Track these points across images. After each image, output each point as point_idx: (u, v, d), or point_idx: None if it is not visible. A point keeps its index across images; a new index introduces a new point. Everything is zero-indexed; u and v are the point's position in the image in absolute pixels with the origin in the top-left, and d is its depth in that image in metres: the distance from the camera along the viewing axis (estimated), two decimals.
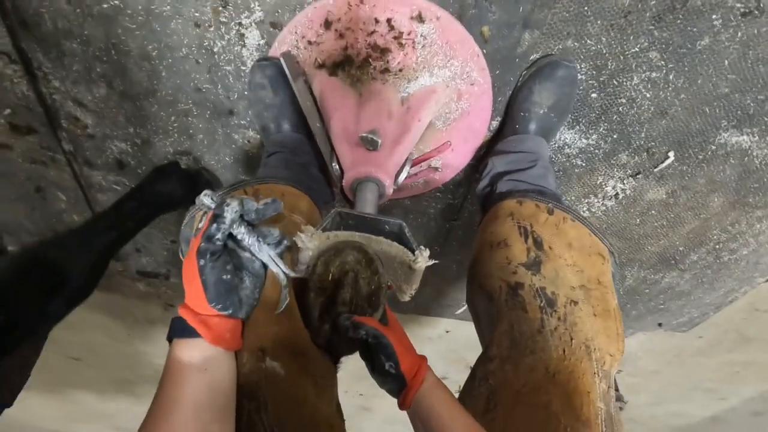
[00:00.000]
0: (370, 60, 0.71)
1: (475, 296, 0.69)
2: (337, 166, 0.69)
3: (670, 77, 0.72)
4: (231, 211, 0.43)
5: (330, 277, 0.53)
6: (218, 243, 0.43)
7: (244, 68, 0.75)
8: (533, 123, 0.73)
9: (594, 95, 0.76)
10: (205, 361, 0.42)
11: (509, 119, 0.76)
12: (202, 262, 0.42)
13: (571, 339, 0.54)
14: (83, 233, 0.76)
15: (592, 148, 0.84)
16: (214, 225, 0.43)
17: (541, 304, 0.57)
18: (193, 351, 0.42)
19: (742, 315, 1.29)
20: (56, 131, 0.87)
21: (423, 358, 0.51)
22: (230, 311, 0.45)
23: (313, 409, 0.48)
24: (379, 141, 0.63)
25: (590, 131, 0.81)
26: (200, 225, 0.45)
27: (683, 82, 0.73)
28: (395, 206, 0.98)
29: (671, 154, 0.84)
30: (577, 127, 0.81)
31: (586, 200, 0.94)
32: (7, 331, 0.64)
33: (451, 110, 0.78)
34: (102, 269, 0.79)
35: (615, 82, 0.74)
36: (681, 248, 1.05)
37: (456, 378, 1.70)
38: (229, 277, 0.44)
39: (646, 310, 1.26)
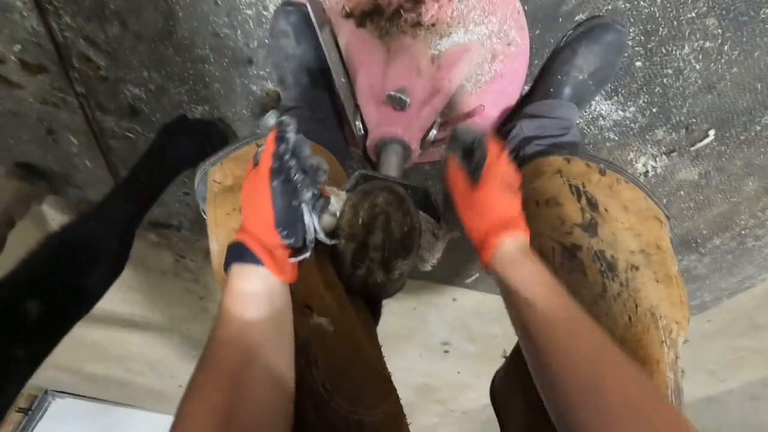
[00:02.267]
0: (402, 11, 0.66)
1: None
2: (361, 125, 0.66)
3: (725, 48, 0.67)
4: (292, 130, 0.42)
5: (360, 222, 0.50)
6: (289, 163, 0.41)
7: (265, 13, 0.70)
8: (569, 88, 0.68)
9: (639, 64, 0.71)
10: (270, 294, 0.41)
11: (543, 82, 0.71)
12: (275, 183, 0.41)
13: (636, 306, 0.51)
14: (104, 209, 0.75)
15: (628, 122, 0.79)
16: (282, 145, 0.41)
17: (602, 268, 0.53)
18: (257, 283, 0.41)
19: (756, 302, 1.27)
20: (68, 71, 0.83)
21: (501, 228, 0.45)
22: (293, 240, 0.43)
23: (364, 364, 0.47)
24: (408, 101, 0.59)
25: (629, 103, 0.76)
26: (259, 151, 0.43)
27: (738, 54, 0.67)
28: (413, 171, 0.95)
29: (711, 132, 0.79)
30: (616, 97, 0.76)
31: None
32: (49, 319, 0.64)
33: (483, 72, 0.73)
34: (130, 240, 0.78)
35: (664, 50, 0.68)
36: (705, 231, 1.02)
37: (458, 345, 1.73)
38: (296, 203, 0.43)
39: None
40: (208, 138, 0.84)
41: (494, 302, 1.43)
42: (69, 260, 0.67)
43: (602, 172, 0.60)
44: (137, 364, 2.46)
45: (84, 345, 2.33)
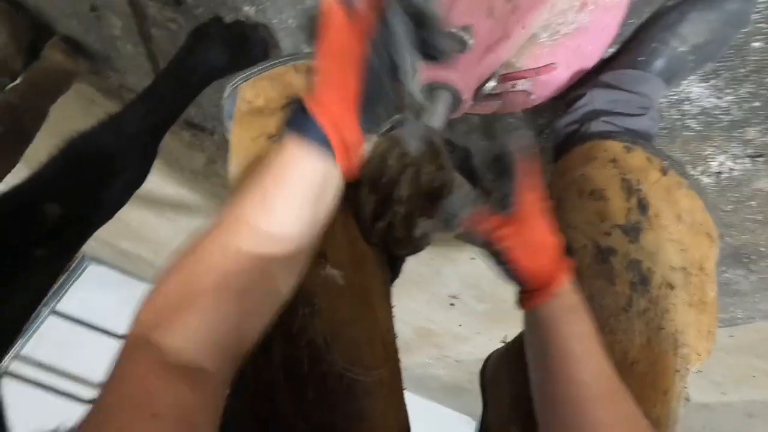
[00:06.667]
0: None
1: None
2: None
3: None
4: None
5: (387, 171, 0.46)
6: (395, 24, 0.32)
7: None
8: (663, 60, 0.58)
9: (757, 44, 0.58)
10: (326, 185, 0.34)
11: (633, 47, 0.61)
12: (374, 57, 0.32)
13: (660, 328, 0.47)
14: (124, 123, 0.72)
15: (718, 112, 0.68)
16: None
17: (633, 279, 0.49)
18: (313, 166, 0.33)
19: None
20: None
21: (564, 266, 0.42)
22: (368, 126, 0.34)
23: (369, 324, 0.46)
24: (470, 42, 0.51)
25: (727, 90, 0.65)
26: None
27: None
28: (461, 121, 0.87)
29: None
30: (714, 81, 0.64)
31: None
32: (68, 222, 0.63)
33: (566, 22, 0.62)
34: (153, 153, 0.76)
35: None
36: (763, 249, 0.92)
37: (466, 301, 1.73)
38: (388, 81, 0.33)
39: None
40: (247, 44, 0.78)
41: None
42: (86, 172, 0.67)
43: (663, 171, 0.53)
44: (165, 249, 2.62)
45: (120, 223, 2.47)
